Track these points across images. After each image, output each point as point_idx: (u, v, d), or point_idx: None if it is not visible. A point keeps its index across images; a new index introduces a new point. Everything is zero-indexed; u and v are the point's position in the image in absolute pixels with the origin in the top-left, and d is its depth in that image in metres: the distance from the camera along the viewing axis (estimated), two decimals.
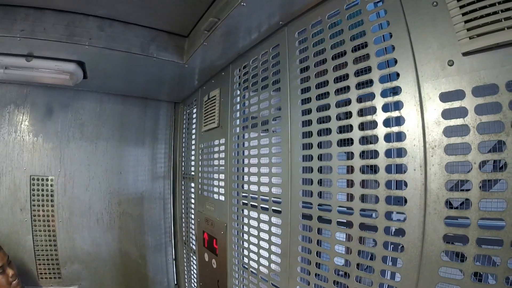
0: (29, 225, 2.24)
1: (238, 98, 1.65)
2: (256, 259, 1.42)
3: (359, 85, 0.95)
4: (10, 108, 2.29)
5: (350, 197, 0.96)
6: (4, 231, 2.16)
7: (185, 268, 2.55)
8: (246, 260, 1.51)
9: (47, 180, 2.32)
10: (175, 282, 2.75)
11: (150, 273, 2.65)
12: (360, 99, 0.94)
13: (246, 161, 1.52)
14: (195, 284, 2.29)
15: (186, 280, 2.55)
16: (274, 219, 1.30)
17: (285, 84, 1.24)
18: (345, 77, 0.98)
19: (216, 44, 1.51)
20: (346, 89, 0.98)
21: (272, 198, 1.31)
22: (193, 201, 2.31)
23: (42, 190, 2.31)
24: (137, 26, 1.68)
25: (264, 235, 1.36)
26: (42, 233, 2.28)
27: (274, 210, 1.30)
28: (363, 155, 0.93)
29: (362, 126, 0.93)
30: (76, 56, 1.77)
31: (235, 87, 1.67)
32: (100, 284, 2.44)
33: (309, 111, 1.12)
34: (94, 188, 2.45)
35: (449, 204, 0.73)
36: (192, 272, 2.40)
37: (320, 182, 1.08)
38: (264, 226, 1.36)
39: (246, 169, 1.52)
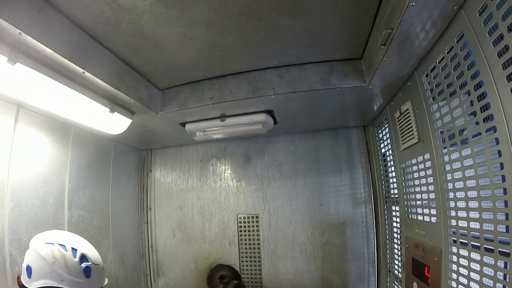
0: (237, 256, 2.79)
1: (435, 106, 1.51)
2: None
3: None
4: (213, 161, 2.99)
5: None
6: (215, 261, 2.78)
7: None
8: None
9: (252, 217, 2.82)
10: None
11: None
12: None
13: (459, 175, 1.34)
14: None
15: None
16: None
17: (487, 76, 1.07)
18: None
19: (394, 56, 1.48)
20: None
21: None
22: (398, 225, 2.21)
23: (248, 226, 2.82)
24: (311, 64, 1.87)
25: (489, 260, 1.15)
26: (248, 263, 2.77)
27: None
28: None
29: None
30: (264, 106, 2.11)
31: (427, 95, 1.56)
32: None
33: None
34: (297, 221, 2.75)
35: None
36: None
37: None
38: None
39: (459, 185, 1.35)
